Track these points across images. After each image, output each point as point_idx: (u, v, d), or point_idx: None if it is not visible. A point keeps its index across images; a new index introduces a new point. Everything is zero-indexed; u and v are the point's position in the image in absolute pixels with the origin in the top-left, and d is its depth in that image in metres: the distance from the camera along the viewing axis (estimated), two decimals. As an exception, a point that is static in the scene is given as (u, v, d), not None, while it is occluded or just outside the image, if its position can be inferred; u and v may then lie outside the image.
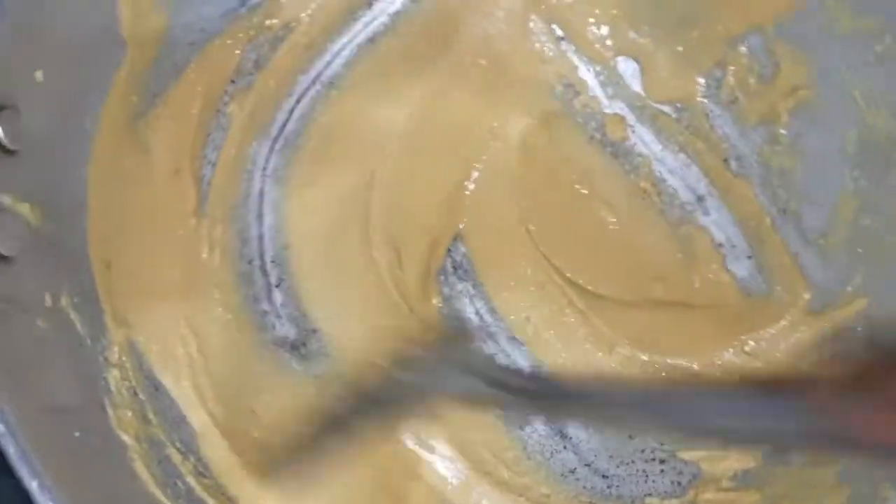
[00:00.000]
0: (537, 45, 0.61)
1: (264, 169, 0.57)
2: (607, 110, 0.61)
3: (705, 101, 0.60)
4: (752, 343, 0.55)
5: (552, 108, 0.61)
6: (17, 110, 0.43)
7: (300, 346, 0.55)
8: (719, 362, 0.55)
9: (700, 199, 0.59)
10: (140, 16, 0.51)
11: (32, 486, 0.37)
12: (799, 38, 0.55)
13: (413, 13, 0.60)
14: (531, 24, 0.61)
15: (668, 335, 0.56)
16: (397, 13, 0.60)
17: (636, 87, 0.61)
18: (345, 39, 0.60)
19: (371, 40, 0.60)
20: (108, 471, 0.43)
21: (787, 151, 0.57)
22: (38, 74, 0.44)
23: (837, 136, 0.54)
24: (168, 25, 0.53)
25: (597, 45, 0.61)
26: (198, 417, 0.50)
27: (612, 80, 0.61)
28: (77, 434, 0.41)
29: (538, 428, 0.55)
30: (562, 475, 0.55)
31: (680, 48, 0.60)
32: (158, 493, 0.44)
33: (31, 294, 0.43)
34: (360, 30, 0.60)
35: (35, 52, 0.44)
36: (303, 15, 0.58)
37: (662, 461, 0.54)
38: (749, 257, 0.58)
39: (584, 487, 0.54)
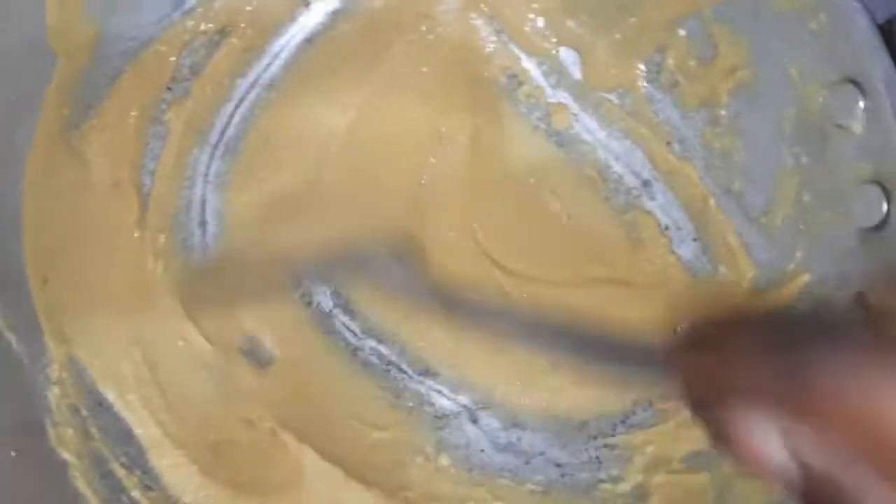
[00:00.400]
0: (479, 42, 0.61)
1: (206, 176, 0.57)
2: (551, 99, 0.61)
3: (647, 86, 0.60)
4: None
5: (497, 102, 0.61)
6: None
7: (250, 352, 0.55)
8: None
9: (645, 183, 0.60)
10: (68, 25, 0.50)
11: (-36, 509, 0.36)
12: (735, 19, 0.55)
13: (351, 13, 0.60)
14: (471, 22, 0.61)
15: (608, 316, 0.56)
16: (335, 12, 0.60)
17: (578, 75, 0.61)
18: (283, 41, 0.59)
19: (309, 41, 0.59)
20: (48, 490, 0.42)
21: (728, 132, 0.57)
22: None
23: (776, 115, 0.54)
24: (98, 34, 0.52)
25: (536, 37, 0.61)
26: (146, 430, 0.50)
27: (555, 70, 0.61)
28: (13, 454, 0.41)
29: (491, 422, 0.55)
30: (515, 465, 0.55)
31: (619, 35, 0.59)
32: (103, 510, 0.44)
33: (-37, 315, 0.42)
34: (298, 31, 0.59)
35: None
36: (239, 18, 0.58)
37: (614, 447, 0.54)
38: (695, 239, 0.58)
39: (539, 477, 0.54)
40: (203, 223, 0.56)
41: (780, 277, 0.53)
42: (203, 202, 0.57)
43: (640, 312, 0.56)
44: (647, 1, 0.58)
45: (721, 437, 0.30)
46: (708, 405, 0.31)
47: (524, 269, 0.58)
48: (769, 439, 0.29)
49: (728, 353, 0.31)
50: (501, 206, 0.60)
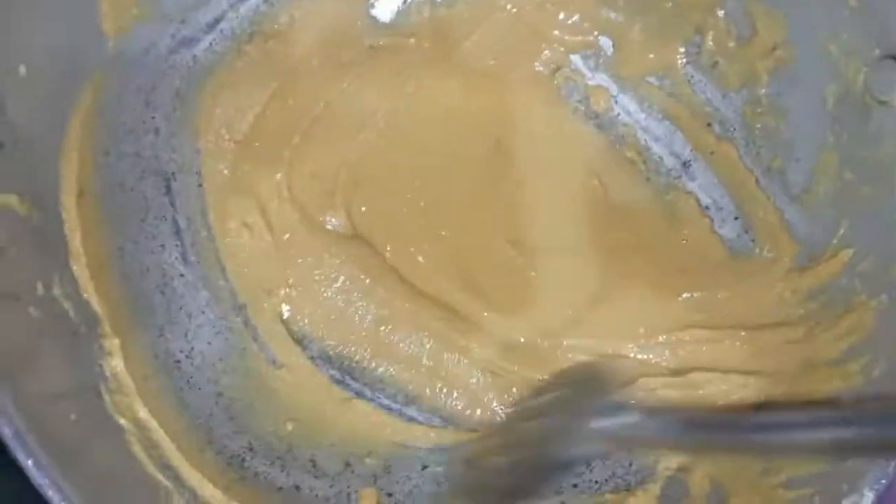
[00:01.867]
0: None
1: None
2: (590, 82, 0.62)
3: (686, 67, 0.60)
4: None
5: (538, 86, 0.62)
6: (3, 105, 0.44)
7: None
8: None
9: (685, 164, 0.60)
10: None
11: (28, 464, 0.38)
12: (774, -3, 0.55)
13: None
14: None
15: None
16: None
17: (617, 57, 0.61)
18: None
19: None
20: (104, 451, 0.43)
21: (769, 111, 0.57)
22: (22, 69, 0.45)
23: (817, 92, 0.54)
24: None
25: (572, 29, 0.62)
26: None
27: (595, 53, 0.62)
28: (73, 417, 0.42)
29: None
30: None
31: (656, 19, 0.60)
32: (157, 474, 0.45)
33: (23, 283, 0.43)
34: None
35: (17, 46, 0.45)
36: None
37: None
38: (736, 218, 0.58)
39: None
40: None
41: (821, 253, 0.53)
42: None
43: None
44: (683, -17, 0.58)
45: None
46: None
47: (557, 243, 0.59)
48: None
49: None
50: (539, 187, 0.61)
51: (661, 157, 0.61)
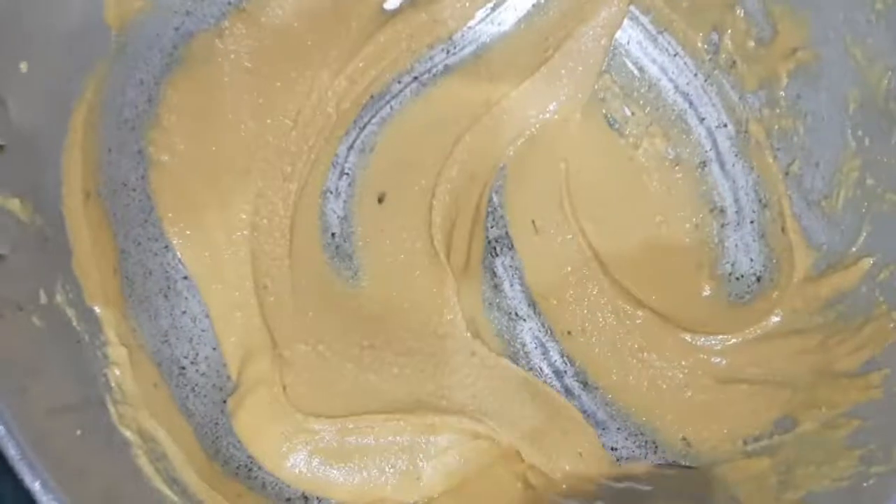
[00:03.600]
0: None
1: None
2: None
3: (706, 64, 0.59)
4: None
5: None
6: (4, 103, 0.42)
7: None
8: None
9: (702, 164, 0.59)
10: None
11: (35, 486, 0.36)
12: (797, -2, 0.54)
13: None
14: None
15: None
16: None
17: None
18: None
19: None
20: (111, 467, 0.42)
21: (788, 114, 0.56)
22: (23, 66, 0.43)
23: (838, 96, 0.53)
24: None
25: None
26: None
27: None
28: (78, 432, 0.41)
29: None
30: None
31: (675, 16, 0.59)
32: (164, 489, 0.44)
33: (26, 292, 0.42)
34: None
35: (18, 42, 0.43)
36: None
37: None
38: (752, 222, 0.57)
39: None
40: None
41: (840, 261, 0.52)
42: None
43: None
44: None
45: None
46: None
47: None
48: None
49: None
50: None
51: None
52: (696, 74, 0.59)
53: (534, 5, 0.59)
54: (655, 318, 0.55)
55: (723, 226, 0.58)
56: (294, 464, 0.51)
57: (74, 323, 0.44)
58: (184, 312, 0.52)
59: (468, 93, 0.59)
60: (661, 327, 0.55)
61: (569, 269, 0.57)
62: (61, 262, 0.45)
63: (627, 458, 0.54)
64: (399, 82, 0.58)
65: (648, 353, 0.55)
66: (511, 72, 0.59)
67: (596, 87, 0.59)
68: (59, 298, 0.44)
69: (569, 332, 0.56)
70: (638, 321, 0.55)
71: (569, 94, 0.59)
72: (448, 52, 0.59)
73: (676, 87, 0.59)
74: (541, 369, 0.55)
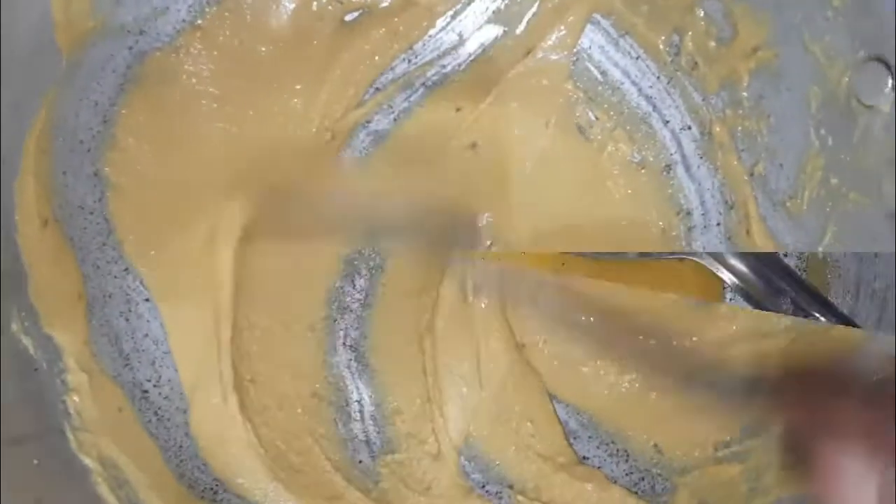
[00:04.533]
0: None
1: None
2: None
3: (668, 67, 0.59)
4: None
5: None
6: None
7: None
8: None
9: (668, 167, 0.58)
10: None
11: (-13, 521, 0.36)
12: (756, -2, 0.53)
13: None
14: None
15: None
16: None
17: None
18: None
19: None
20: (71, 496, 0.42)
21: (751, 114, 0.56)
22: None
23: (800, 95, 0.53)
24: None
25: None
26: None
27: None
28: (35, 462, 0.40)
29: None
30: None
31: (636, 19, 0.58)
32: (127, 516, 0.43)
33: (-22, 322, 0.41)
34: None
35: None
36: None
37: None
38: (718, 224, 0.57)
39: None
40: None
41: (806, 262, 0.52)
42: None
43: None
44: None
45: (814, 476, 0.30)
46: (807, 447, 0.31)
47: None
48: (863, 488, 0.28)
49: (831, 401, 0.31)
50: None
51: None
52: (658, 77, 0.58)
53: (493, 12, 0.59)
54: (615, 321, 0.55)
55: (689, 229, 0.57)
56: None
57: (31, 351, 0.44)
58: (146, 335, 0.51)
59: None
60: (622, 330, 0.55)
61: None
62: (17, 290, 0.44)
63: (599, 467, 0.53)
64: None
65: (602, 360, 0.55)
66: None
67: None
68: (14, 327, 0.43)
69: (524, 345, 0.56)
70: (592, 327, 0.55)
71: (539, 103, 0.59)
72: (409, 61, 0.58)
73: (640, 91, 0.59)
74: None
